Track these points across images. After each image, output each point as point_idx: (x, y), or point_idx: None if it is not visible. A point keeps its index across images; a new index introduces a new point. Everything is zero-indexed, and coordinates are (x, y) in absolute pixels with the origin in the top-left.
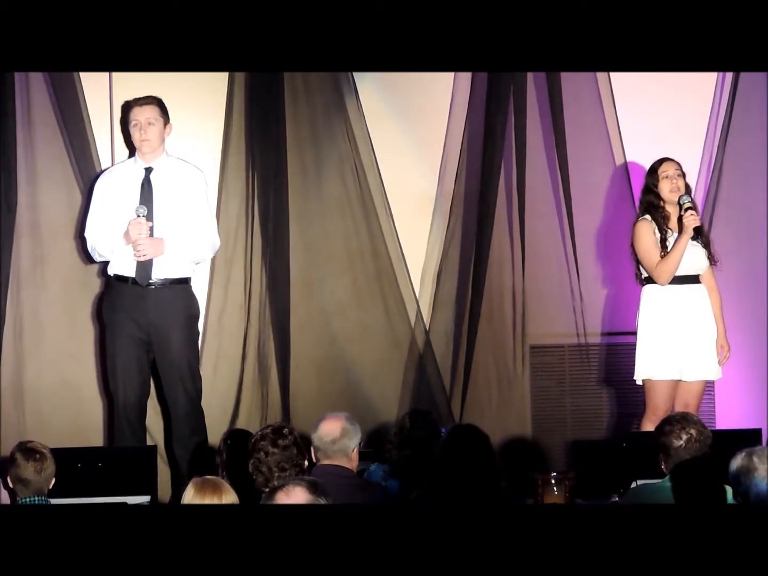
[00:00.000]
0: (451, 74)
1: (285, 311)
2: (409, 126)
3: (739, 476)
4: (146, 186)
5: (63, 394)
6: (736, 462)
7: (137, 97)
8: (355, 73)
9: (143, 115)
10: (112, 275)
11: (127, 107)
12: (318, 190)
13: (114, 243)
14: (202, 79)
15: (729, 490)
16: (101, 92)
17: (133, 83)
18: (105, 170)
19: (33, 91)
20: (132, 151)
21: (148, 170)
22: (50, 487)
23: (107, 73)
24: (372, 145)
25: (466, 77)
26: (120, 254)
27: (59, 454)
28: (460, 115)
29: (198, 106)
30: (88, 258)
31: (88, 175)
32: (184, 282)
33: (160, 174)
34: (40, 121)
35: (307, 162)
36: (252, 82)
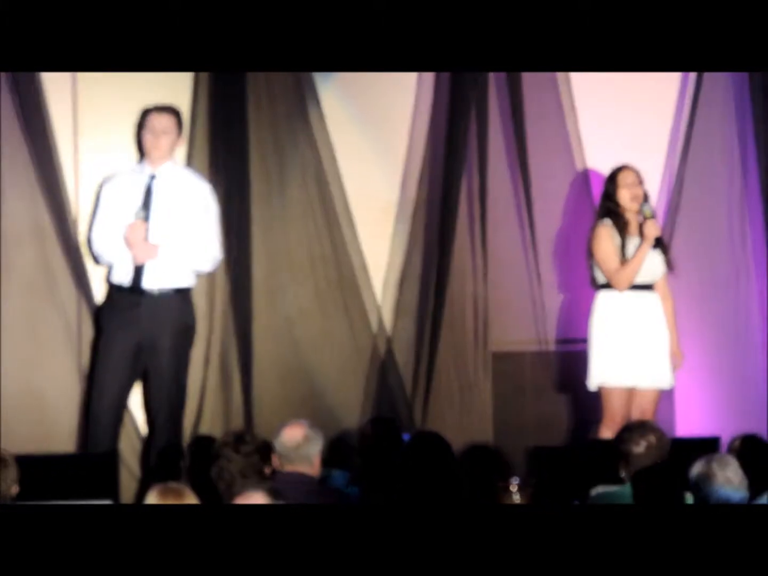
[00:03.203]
0: (413, 80)
1: (247, 318)
2: (371, 133)
3: (698, 483)
4: (148, 192)
5: (28, 402)
6: (696, 469)
7: (158, 104)
8: (317, 79)
9: (160, 123)
10: (111, 283)
11: (146, 113)
12: (280, 197)
13: (116, 247)
14: (166, 84)
15: (689, 496)
16: (64, 95)
17: (97, 86)
18: (112, 175)
19: None
20: (141, 156)
21: (153, 177)
22: (13, 493)
23: (70, 76)
24: (334, 151)
25: (428, 84)
26: (119, 262)
27: (22, 461)
28: (422, 122)
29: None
30: (52, 265)
31: (51, 182)
32: (182, 292)
33: (163, 182)
34: (2, 126)
35: (269, 168)
36: (216, 86)
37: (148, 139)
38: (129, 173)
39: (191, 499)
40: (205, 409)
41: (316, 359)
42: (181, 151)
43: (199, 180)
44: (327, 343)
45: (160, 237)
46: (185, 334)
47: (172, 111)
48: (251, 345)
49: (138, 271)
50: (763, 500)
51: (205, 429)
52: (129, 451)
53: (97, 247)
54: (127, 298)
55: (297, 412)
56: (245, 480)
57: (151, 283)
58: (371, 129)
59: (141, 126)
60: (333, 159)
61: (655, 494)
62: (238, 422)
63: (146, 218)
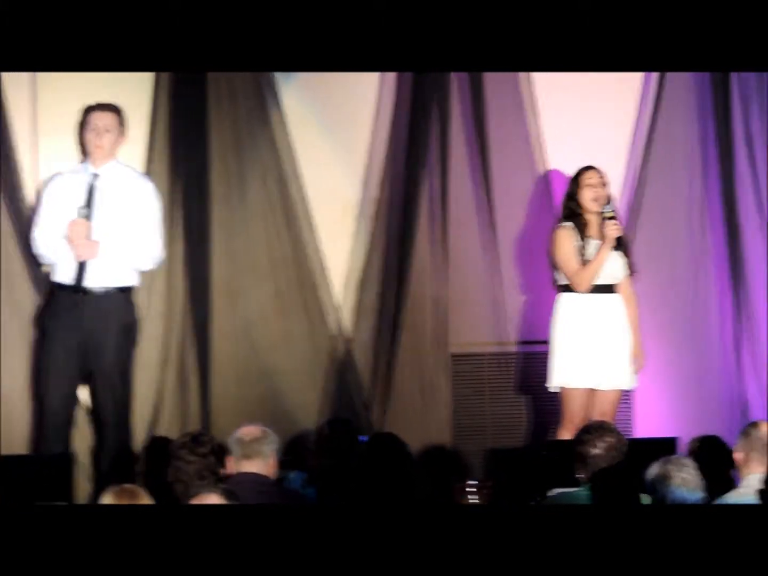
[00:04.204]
0: (375, 81)
1: (206, 319)
2: (333, 133)
3: (655, 484)
4: (91, 190)
5: None
6: (653, 470)
7: (100, 102)
8: (278, 80)
9: (102, 121)
10: (53, 283)
11: (88, 111)
12: (241, 197)
13: (58, 246)
14: (126, 84)
15: (646, 497)
16: (23, 96)
17: (57, 87)
18: (55, 174)
19: None
20: (83, 155)
21: (96, 176)
22: None
23: (29, 77)
24: (295, 152)
25: (390, 84)
26: (62, 261)
27: None
28: (383, 122)
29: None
30: (9, 266)
31: (10, 183)
32: (124, 291)
33: (106, 180)
34: None
35: (229, 169)
36: (176, 87)
37: (90, 137)
38: (71, 172)
39: (146, 500)
40: (163, 410)
41: (275, 360)
42: (140, 151)
43: (142, 178)
44: (285, 344)
45: (102, 235)
46: (129, 333)
47: (114, 109)
48: (209, 346)
49: (80, 270)
50: (720, 503)
51: (162, 430)
52: (84, 452)
53: (40, 246)
54: (70, 297)
55: (254, 414)
56: (201, 481)
57: (93, 281)
58: (332, 129)
59: (83, 125)
60: (293, 160)
61: (613, 495)
62: (195, 423)
63: (88, 216)
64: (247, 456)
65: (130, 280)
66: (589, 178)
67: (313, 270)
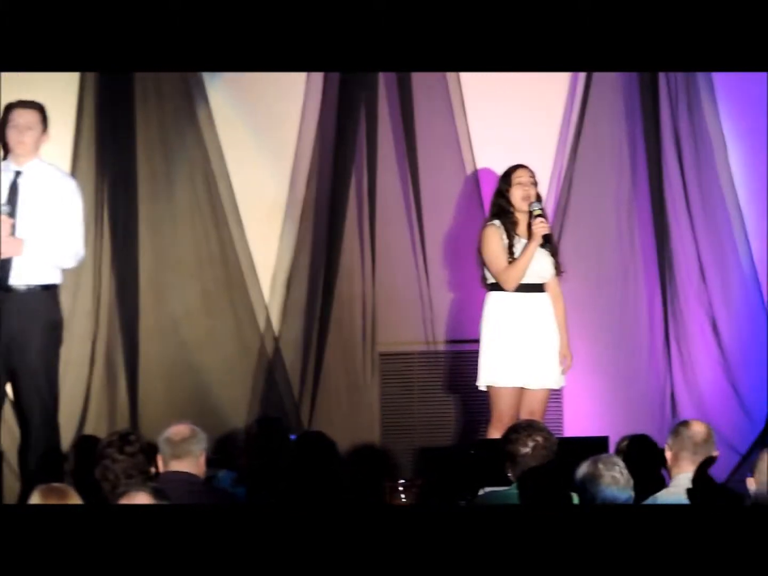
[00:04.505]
0: (302, 80)
1: (134, 317)
2: (260, 132)
3: (585, 483)
4: (13, 188)
5: None
6: (582, 469)
7: (22, 99)
8: (205, 78)
9: (23, 118)
10: None
11: (9, 108)
12: (168, 196)
13: None
14: (51, 83)
15: (575, 496)
16: None
17: None
18: None
19: None
20: (5, 153)
21: (18, 173)
22: None
23: None
24: (223, 150)
25: (317, 83)
26: None
27: None
28: (311, 121)
29: (48, 110)
30: None
31: None
32: (48, 288)
33: (29, 178)
34: None
35: (157, 167)
36: (102, 85)
37: (11, 135)
38: None
39: (75, 499)
40: (90, 409)
41: (203, 359)
42: (67, 150)
43: (64, 176)
44: (214, 343)
45: (25, 233)
46: (54, 331)
47: (36, 106)
48: (137, 345)
49: (4, 268)
50: (650, 503)
51: (89, 429)
52: (13, 451)
53: None
54: None
55: (183, 412)
56: (129, 480)
57: (17, 279)
58: (260, 128)
59: (4, 122)
60: (221, 158)
61: (542, 495)
62: (123, 422)
63: (11, 214)
64: (176, 456)
65: (54, 277)
66: (519, 176)
67: (241, 268)
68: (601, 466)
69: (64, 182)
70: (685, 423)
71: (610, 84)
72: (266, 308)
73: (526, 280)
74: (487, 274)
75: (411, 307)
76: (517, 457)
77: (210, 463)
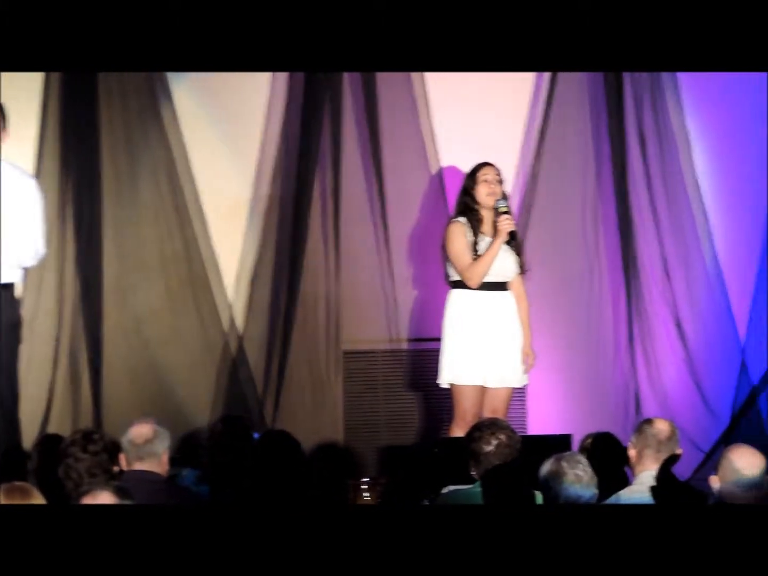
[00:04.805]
0: (267, 79)
1: (98, 317)
2: (224, 130)
3: (548, 481)
4: None
5: None
6: (546, 467)
7: None
8: (170, 77)
9: None
10: None
11: None
12: (132, 195)
13: None
14: (15, 82)
15: (539, 495)
16: None
17: None
18: None
19: None
20: None
21: None
22: None
23: None
24: (187, 149)
25: (282, 81)
26: None
27: None
28: (275, 120)
29: (11, 110)
30: None
31: None
32: (7, 287)
33: None
34: None
35: (121, 167)
36: (67, 85)
37: None
38: None
39: (37, 498)
40: (54, 408)
41: (167, 358)
42: (30, 150)
43: (23, 175)
44: (177, 342)
45: None
46: (14, 330)
47: None
48: (101, 344)
49: None
50: (613, 500)
51: (53, 428)
52: None
53: None
54: None
55: (147, 411)
56: (93, 479)
57: None
58: (224, 127)
59: None
60: (185, 157)
61: (505, 493)
62: (87, 421)
63: None
64: (140, 458)
65: (13, 276)
66: (485, 174)
67: (205, 267)
68: (564, 464)
69: (23, 180)
70: (648, 421)
71: (575, 83)
72: (230, 307)
73: (489, 279)
74: (451, 272)
75: (375, 305)
76: (480, 456)
77: (173, 461)
